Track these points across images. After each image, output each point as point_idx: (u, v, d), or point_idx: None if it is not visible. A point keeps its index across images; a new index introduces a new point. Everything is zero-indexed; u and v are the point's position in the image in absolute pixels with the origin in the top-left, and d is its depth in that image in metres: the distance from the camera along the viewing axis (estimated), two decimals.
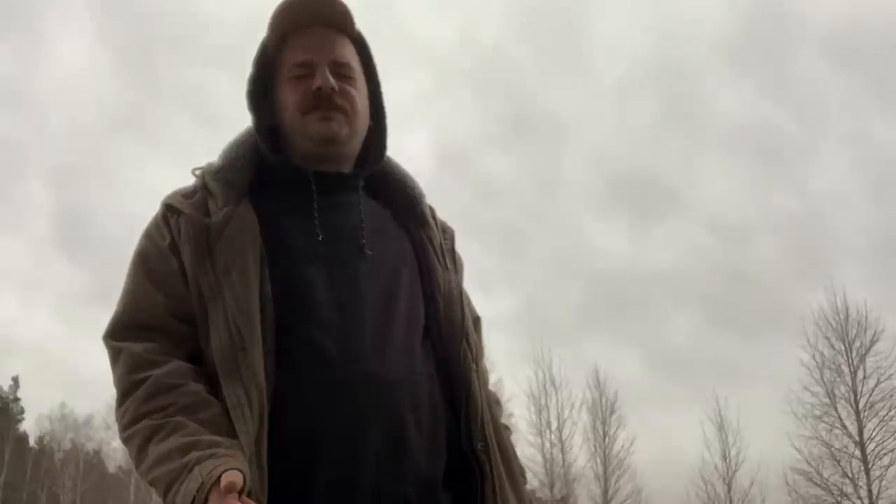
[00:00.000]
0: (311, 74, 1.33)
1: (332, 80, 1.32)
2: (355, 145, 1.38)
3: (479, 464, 1.27)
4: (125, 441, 1.20)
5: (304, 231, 1.29)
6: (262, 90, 1.38)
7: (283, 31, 1.36)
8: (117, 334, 1.26)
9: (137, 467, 1.17)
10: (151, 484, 1.14)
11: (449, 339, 1.33)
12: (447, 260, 1.44)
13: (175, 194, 1.34)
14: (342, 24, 1.37)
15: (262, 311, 1.20)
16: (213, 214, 1.28)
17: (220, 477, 1.04)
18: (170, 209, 1.31)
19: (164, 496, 1.11)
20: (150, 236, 1.32)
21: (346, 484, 1.15)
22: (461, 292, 1.41)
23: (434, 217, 1.48)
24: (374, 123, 1.42)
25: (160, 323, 1.24)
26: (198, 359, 1.23)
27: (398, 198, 1.43)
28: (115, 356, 1.25)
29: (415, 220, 1.43)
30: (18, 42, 51.03)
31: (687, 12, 47.60)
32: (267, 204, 1.31)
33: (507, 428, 1.44)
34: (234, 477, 1.03)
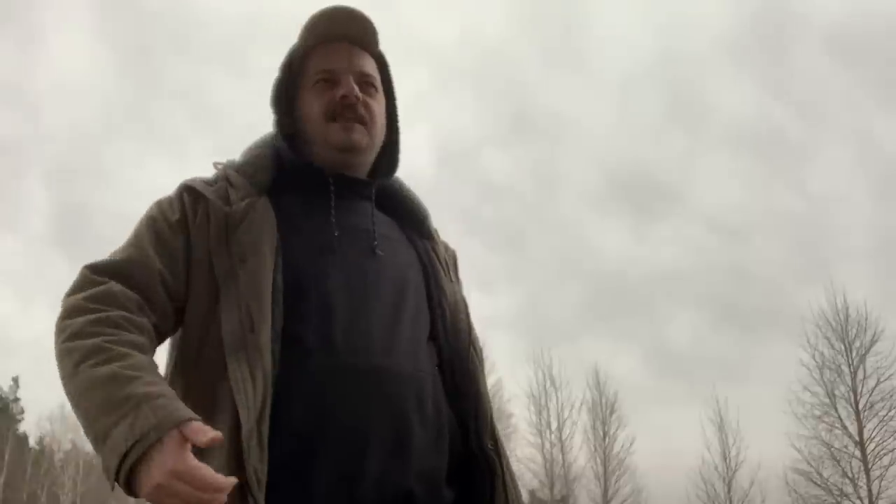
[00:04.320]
0: (335, 83, 1.38)
1: (356, 90, 1.37)
2: (371, 156, 1.44)
3: (489, 462, 1.31)
4: (60, 355, 1.15)
5: (320, 228, 1.33)
6: (284, 96, 1.43)
7: (314, 41, 1.41)
8: (100, 272, 1.24)
9: (65, 387, 1.12)
10: (75, 409, 1.10)
11: (455, 343, 1.37)
12: (451, 273, 1.49)
13: (196, 179, 1.36)
14: (368, 43, 1.43)
15: (273, 298, 1.21)
16: (234, 203, 1.31)
17: (182, 421, 1.03)
18: (189, 191, 1.33)
19: (90, 426, 1.07)
20: (161, 207, 1.34)
21: (351, 471, 1.16)
22: (466, 304, 1.46)
23: (438, 236, 1.53)
24: (387, 139, 1.47)
25: (151, 289, 1.24)
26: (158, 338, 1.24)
27: (405, 212, 1.48)
28: (85, 284, 1.22)
29: (421, 232, 1.48)
30: (16, 40, 51.11)
31: (688, 10, 47.64)
32: (285, 201, 1.35)
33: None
34: (208, 429, 1.03)
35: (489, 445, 1.32)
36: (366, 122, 1.38)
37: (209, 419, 1.11)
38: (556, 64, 49.72)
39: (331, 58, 1.40)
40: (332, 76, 1.39)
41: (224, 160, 1.42)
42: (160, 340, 1.25)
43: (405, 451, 1.20)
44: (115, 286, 1.21)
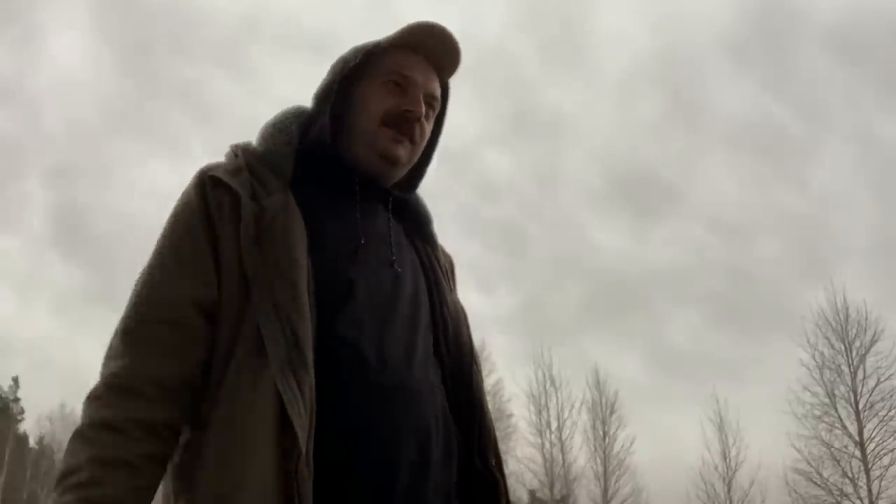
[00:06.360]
0: (405, 92, 1.36)
1: (422, 110, 1.36)
2: (402, 173, 1.43)
3: (493, 479, 1.32)
4: (69, 444, 1.17)
5: (345, 233, 1.31)
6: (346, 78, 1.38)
7: (403, 44, 1.37)
8: (131, 331, 1.20)
9: (69, 461, 1.13)
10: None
11: (458, 357, 1.36)
12: (451, 282, 1.48)
13: (218, 167, 1.30)
14: (446, 73, 1.43)
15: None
16: (262, 200, 1.25)
17: None
18: (213, 181, 1.26)
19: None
20: (177, 217, 1.27)
21: (383, 488, 1.16)
22: (466, 316, 1.44)
23: (437, 241, 1.52)
24: (419, 160, 1.46)
25: (180, 314, 1.20)
26: (206, 358, 1.20)
27: (409, 215, 1.46)
28: (120, 351, 1.19)
29: (424, 239, 1.47)
30: (14, 38, 51.03)
31: (689, 8, 47.65)
32: (309, 198, 1.30)
33: None
34: None
35: (493, 463, 1.33)
36: (415, 142, 1.38)
37: (245, 434, 1.10)
38: (555, 62, 49.74)
39: (413, 67, 1.37)
40: (406, 84, 1.36)
41: (241, 142, 1.36)
42: (195, 391, 1.19)
43: (426, 465, 1.21)
44: (140, 378, 1.17)
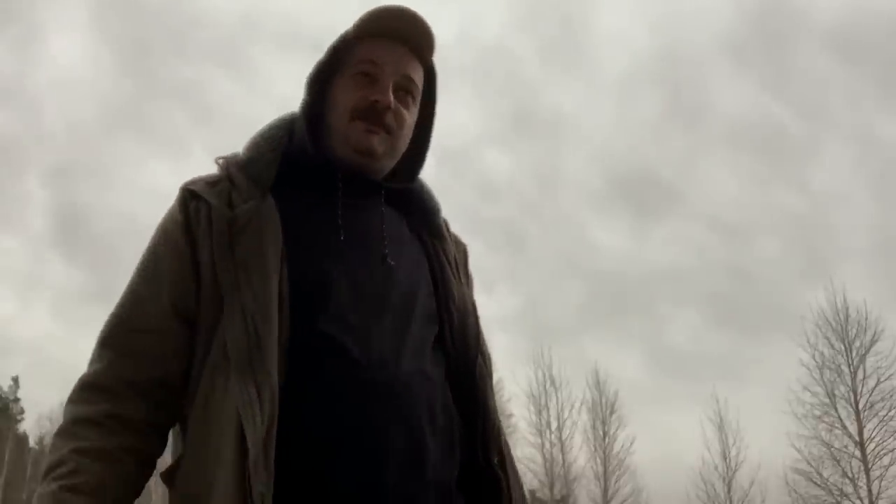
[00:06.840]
0: (374, 81, 1.33)
1: (391, 98, 1.33)
2: (389, 163, 1.39)
3: (496, 478, 1.29)
4: (51, 443, 1.21)
5: (327, 231, 1.30)
6: (319, 79, 1.37)
7: (367, 33, 1.35)
8: (109, 340, 1.25)
9: (48, 461, 1.18)
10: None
11: (463, 350, 1.34)
12: (461, 274, 1.45)
13: (198, 181, 1.33)
14: (422, 51, 1.38)
15: (279, 308, 1.18)
16: (237, 207, 1.26)
17: None
18: (191, 195, 1.29)
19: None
20: (163, 228, 1.31)
21: (368, 485, 1.14)
22: (475, 307, 1.42)
23: (448, 230, 1.49)
24: (414, 147, 1.42)
25: (156, 322, 1.24)
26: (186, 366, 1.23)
27: (415, 208, 1.44)
28: (96, 357, 1.25)
29: (430, 231, 1.44)
30: (14, 38, 51.03)
31: (688, 8, 47.64)
32: (290, 200, 1.30)
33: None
34: None
35: (495, 460, 1.30)
36: (391, 131, 1.34)
37: (216, 436, 1.13)
38: (555, 62, 49.73)
39: (380, 53, 1.33)
40: (375, 72, 1.33)
41: (227, 154, 1.37)
42: (174, 393, 1.23)
43: (420, 462, 1.19)
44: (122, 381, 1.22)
